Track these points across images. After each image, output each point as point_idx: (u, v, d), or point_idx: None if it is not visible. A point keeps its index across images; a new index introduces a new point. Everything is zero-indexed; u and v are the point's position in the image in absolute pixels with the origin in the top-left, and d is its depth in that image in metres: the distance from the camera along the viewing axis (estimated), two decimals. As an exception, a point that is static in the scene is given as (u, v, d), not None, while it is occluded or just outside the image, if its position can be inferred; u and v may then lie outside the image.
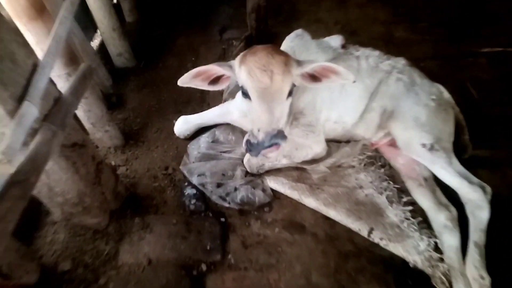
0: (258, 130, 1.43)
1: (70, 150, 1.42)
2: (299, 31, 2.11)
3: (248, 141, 1.50)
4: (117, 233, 1.79)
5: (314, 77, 1.54)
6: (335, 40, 2.18)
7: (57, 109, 1.27)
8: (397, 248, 1.71)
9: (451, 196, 1.79)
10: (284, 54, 1.48)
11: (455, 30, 3.25)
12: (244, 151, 2.04)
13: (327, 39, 2.23)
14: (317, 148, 2.00)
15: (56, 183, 1.45)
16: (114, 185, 1.83)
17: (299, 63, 1.51)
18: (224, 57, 3.11)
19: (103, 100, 2.37)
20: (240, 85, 1.51)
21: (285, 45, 2.05)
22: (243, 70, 1.44)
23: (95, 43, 3.02)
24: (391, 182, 1.99)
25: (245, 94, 1.49)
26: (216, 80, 1.58)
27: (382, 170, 2.06)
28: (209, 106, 2.52)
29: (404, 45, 3.10)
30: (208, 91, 2.66)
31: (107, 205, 1.79)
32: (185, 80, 1.49)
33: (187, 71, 1.49)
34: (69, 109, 1.36)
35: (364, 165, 2.10)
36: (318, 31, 2.50)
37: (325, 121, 2.01)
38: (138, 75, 2.90)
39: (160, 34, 3.39)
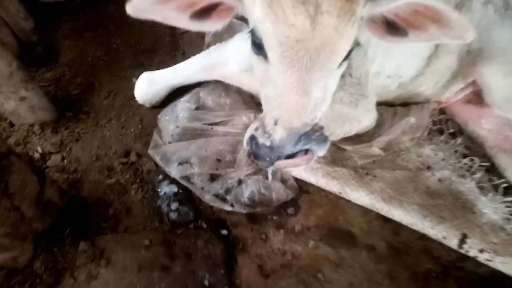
0: (275, 123, 0.94)
1: None
2: None
3: (252, 138, 1.00)
4: (50, 271, 1.32)
5: (393, 26, 0.90)
6: None
7: None
8: (508, 265, 1.24)
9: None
10: None
11: None
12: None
13: None
14: (367, 119, 1.50)
15: None
16: (37, 189, 1.33)
17: None
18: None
19: (18, 50, 1.90)
20: (249, 28, 0.96)
21: None
22: None
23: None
24: (475, 159, 1.48)
25: (258, 47, 0.93)
26: (205, 12, 0.96)
27: (459, 140, 1.54)
28: (184, 56, 2.04)
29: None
30: (182, 33, 2.15)
31: (26, 226, 1.29)
32: (143, 5, 0.85)
33: (148, 5, 0.97)
34: None
35: (428, 133, 1.57)
36: None
37: (375, 75, 1.48)
38: (76, 14, 2.37)
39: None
